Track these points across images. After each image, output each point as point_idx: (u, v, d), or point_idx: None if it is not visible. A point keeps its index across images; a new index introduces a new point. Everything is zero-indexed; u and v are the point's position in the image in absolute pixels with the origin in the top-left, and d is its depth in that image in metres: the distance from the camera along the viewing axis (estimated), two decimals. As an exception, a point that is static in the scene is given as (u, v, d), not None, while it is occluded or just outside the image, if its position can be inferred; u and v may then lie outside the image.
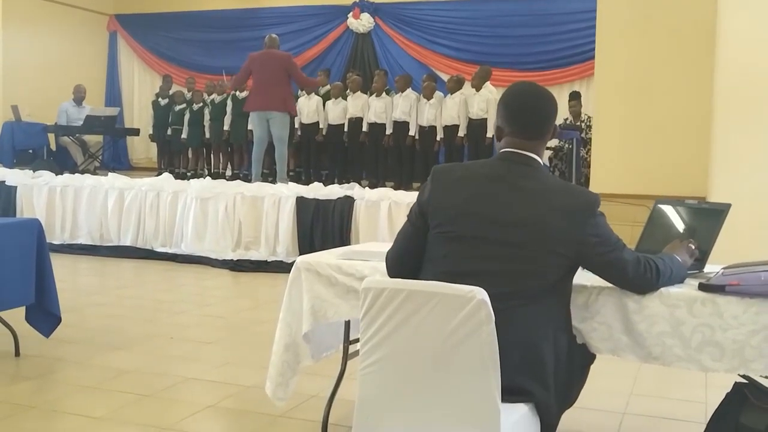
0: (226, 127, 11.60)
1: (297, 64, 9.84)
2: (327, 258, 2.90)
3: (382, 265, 2.52)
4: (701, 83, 7.18)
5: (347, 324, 2.98)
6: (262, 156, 9.34)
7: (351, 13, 13.26)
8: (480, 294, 1.98)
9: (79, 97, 11.89)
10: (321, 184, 8.06)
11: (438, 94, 10.41)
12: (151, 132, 12.73)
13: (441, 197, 2.30)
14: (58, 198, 8.23)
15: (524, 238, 2.17)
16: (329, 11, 13.46)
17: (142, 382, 3.81)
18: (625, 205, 7.06)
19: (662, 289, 2.31)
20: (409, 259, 2.38)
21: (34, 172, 8.87)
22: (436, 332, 2.03)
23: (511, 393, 2.08)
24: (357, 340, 2.86)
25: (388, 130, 10.51)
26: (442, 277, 2.16)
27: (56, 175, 8.68)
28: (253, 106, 9.16)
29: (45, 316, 4.21)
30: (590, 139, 9.02)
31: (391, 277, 2.40)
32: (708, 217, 2.56)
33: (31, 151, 11.66)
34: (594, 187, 7.90)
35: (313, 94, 10.97)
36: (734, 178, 5.92)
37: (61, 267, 4.68)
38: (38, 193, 8.30)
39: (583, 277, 2.34)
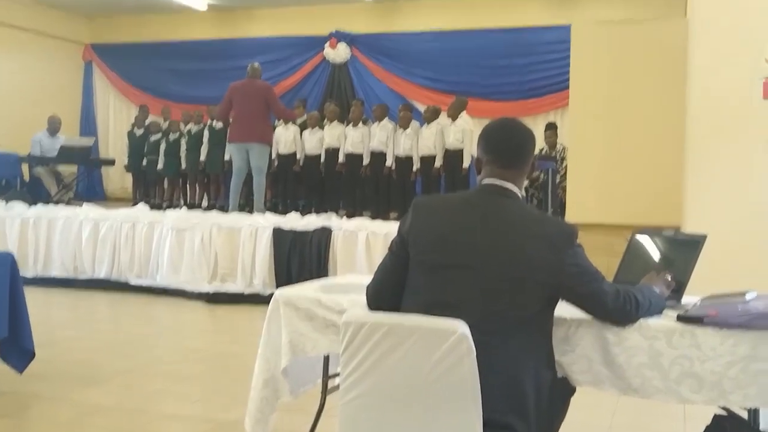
0: (202, 158, 11.58)
1: (276, 94, 9.87)
2: (306, 291, 2.87)
3: (362, 298, 2.50)
4: (675, 113, 7.27)
5: (326, 358, 2.96)
6: (240, 186, 9.32)
7: (327, 44, 13.36)
8: (461, 327, 1.98)
9: (53, 129, 11.77)
10: (298, 214, 8.04)
11: (414, 123, 10.47)
12: (126, 162, 12.67)
13: (422, 227, 2.32)
14: (30, 229, 8.09)
15: (503, 267, 2.18)
16: (306, 41, 13.56)
17: (119, 418, 3.75)
18: (600, 234, 7.10)
19: (641, 320, 2.32)
20: (389, 291, 2.38)
21: (6, 203, 8.75)
22: (417, 366, 2.02)
23: (492, 427, 2.07)
24: (336, 375, 2.83)
25: (365, 160, 10.54)
26: (422, 307, 2.16)
27: (29, 206, 8.57)
28: (234, 137, 9.16)
29: (18, 351, 4.14)
30: (566, 168, 9.09)
31: (371, 309, 2.39)
32: (684, 248, 2.58)
33: (3, 181, 11.51)
34: (569, 216, 7.95)
35: (291, 124, 11.00)
36: (707, 208, 5.99)
37: (33, 300, 4.60)
38: (11, 224, 8.16)
39: (562, 309, 2.34)
